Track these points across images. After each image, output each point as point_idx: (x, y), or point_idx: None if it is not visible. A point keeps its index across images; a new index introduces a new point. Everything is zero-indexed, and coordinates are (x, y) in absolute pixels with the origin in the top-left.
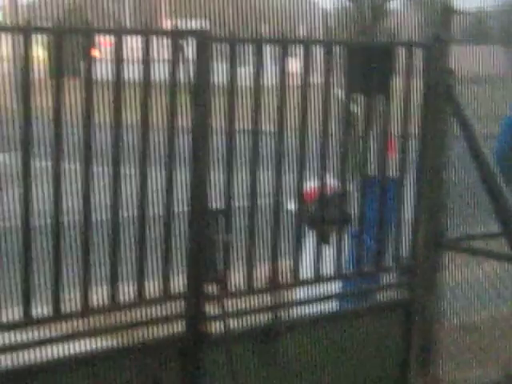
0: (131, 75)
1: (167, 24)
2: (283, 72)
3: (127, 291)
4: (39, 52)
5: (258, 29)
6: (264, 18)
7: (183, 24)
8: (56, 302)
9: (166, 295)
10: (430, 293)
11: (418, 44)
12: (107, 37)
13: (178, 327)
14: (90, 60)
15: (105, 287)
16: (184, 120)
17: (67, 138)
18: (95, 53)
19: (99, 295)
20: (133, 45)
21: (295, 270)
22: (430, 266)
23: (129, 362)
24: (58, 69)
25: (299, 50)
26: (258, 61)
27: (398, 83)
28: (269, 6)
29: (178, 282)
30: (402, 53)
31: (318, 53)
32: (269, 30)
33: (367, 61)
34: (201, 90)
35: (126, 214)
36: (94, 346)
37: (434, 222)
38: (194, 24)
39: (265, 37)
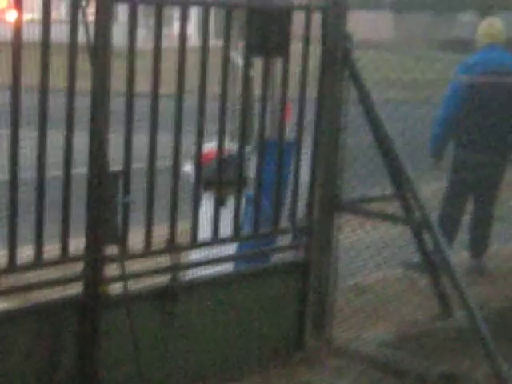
0: (30, 36)
1: None
2: (182, 35)
3: (26, 253)
4: None
5: None
6: None
7: None
8: None
9: (65, 257)
10: (326, 254)
11: (316, 7)
12: None
13: (77, 289)
14: None
15: (2, 249)
16: (83, 82)
17: None
18: None
19: None
20: (32, 5)
21: (193, 232)
22: (325, 227)
23: (26, 324)
24: None
25: (198, 12)
26: (157, 23)
27: (296, 47)
28: None
29: (78, 245)
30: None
31: (217, 15)
32: None
33: (266, 23)
34: (100, 51)
35: (24, 176)
36: None
37: (330, 184)
38: None
39: None
